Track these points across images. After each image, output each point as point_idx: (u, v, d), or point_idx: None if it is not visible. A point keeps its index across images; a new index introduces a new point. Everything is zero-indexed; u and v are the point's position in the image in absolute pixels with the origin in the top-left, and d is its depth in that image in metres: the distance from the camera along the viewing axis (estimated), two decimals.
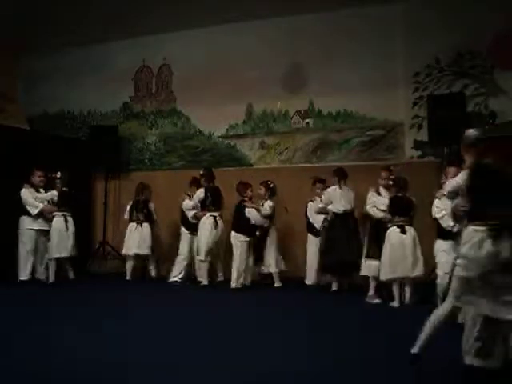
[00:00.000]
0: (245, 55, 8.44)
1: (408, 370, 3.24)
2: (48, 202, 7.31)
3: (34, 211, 7.17)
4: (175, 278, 7.57)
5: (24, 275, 7.08)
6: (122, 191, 9.13)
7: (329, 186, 6.74)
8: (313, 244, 6.98)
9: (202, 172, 7.40)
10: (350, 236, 6.51)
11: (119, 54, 9.39)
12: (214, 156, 8.79)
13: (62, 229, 7.28)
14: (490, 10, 7.00)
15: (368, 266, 6.08)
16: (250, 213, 7.00)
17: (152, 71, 9.46)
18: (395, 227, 5.81)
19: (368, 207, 6.26)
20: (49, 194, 7.35)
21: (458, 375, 3.10)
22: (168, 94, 9.33)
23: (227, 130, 8.73)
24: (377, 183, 6.36)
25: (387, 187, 6.18)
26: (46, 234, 7.30)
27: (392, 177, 6.12)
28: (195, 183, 7.63)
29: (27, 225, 7.20)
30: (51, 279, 7.21)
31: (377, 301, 5.98)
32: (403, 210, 5.87)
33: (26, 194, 7.20)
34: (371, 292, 6.07)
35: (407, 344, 3.24)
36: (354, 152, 7.91)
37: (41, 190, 7.35)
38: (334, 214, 6.59)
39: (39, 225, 7.26)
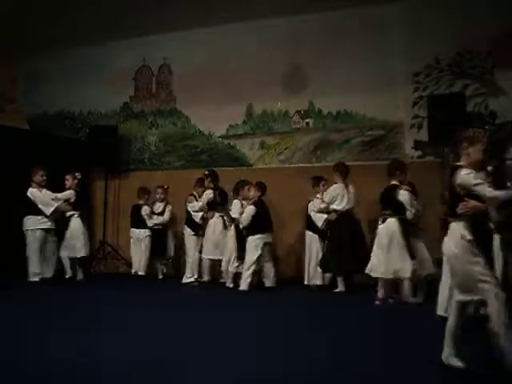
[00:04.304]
0: (245, 55, 8.44)
1: (407, 369, 3.24)
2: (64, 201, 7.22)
3: (49, 210, 6.96)
4: (191, 279, 7.43)
5: (34, 276, 6.82)
6: (122, 191, 9.15)
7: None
8: (316, 242, 6.88)
9: (206, 173, 7.36)
10: (355, 235, 6.47)
11: (119, 54, 9.39)
12: (213, 156, 8.79)
13: (81, 229, 7.30)
14: (490, 9, 7.00)
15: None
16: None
17: (152, 71, 9.47)
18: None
19: None
20: (67, 193, 7.27)
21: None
22: (168, 94, 9.34)
23: (227, 130, 8.73)
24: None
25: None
26: (52, 233, 7.15)
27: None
28: (200, 184, 7.60)
29: (32, 225, 6.94)
30: (69, 274, 7.29)
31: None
32: (386, 202, 5.82)
33: (37, 193, 6.98)
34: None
35: (406, 344, 3.24)
36: (354, 152, 7.91)
37: (42, 189, 7.08)
38: (337, 212, 6.55)
39: (45, 224, 7.01)
